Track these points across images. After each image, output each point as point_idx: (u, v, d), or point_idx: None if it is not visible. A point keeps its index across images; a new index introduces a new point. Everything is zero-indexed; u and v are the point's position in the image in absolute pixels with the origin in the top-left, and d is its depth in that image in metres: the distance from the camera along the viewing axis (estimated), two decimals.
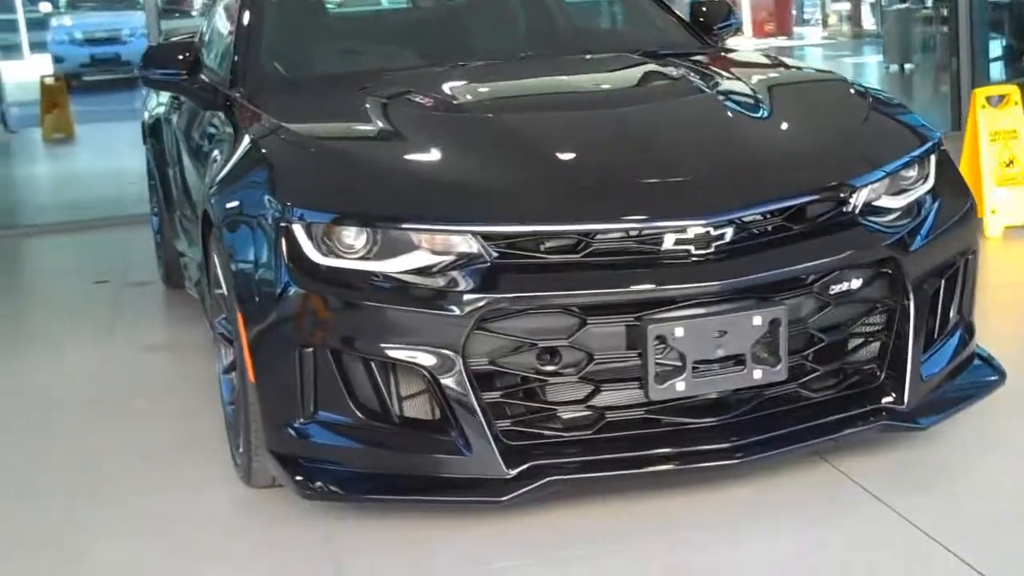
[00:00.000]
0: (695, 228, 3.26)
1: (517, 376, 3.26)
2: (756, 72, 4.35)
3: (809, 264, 3.36)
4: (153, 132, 6.13)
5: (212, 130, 4.51)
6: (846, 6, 22.07)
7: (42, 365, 5.25)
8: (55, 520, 3.64)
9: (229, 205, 3.62)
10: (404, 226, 3.27)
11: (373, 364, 3.26)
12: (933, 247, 3.57)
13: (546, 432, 3.29)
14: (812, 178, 3.51)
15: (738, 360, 3.27)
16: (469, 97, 4.09)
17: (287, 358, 3.28)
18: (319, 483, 3.30)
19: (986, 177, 6.34)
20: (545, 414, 3.30)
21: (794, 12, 23.36)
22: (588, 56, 4.74)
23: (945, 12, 10.91)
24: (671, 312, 3.24)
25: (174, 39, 6.19)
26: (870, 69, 16.29)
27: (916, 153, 3.70)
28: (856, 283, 3.44)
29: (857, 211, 3.49)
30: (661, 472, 3.32)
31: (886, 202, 3.59)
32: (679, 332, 3.20)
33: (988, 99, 6.47)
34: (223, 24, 5.19)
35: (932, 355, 3.62)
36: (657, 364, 3.22)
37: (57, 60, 18.94)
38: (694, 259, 3.27)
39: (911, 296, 3.48)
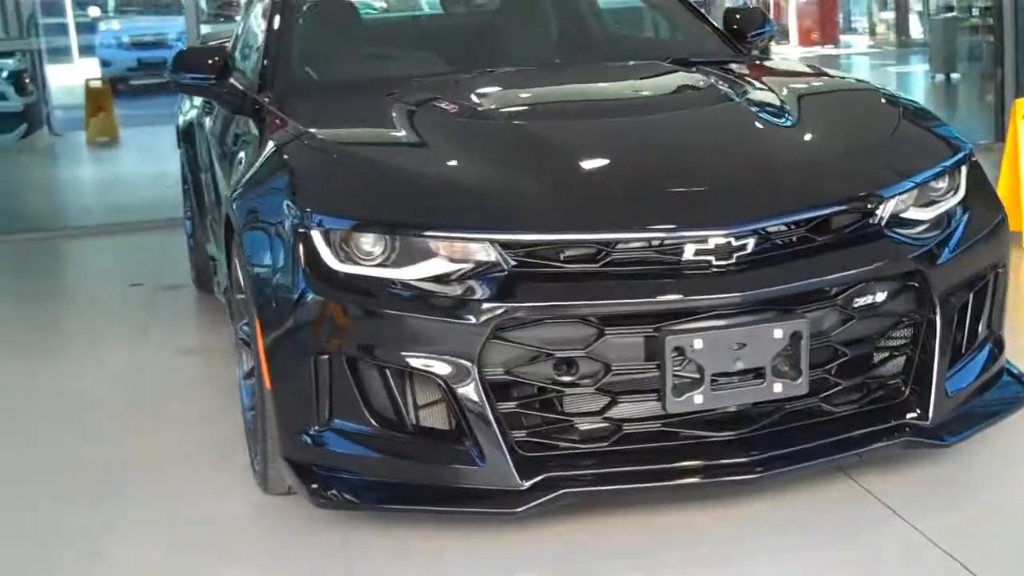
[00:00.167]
0: (716, 238, 3.22)
1: (533, 386, 3.23)
2: (786, 80, 4.30)
3: (832, 276, 3.30)
4: (186, 136, 6.15)
5: (239, 134, 4.52)
6: (894, 15, 21.86)
7: (75, 368, 5.27)
8: (78, 520, 3.66)
9: (250, 210, 3.61)
10: (422, 234, 3.24)
11: (389, 372, 3.24)
12: (961, 260, 3.51)
13: (562, 443, 3.26)
14: (837, 188, 3.45)
15: (758, 373, 3.23)
16: (493, 104, 4.06)
17: (303, 365, 3.27)
18: (333, 491, 3.29)
19: None
20: (561, 425, 3.27)
21: (841, 21, 23.15)
22: (616, 64, 4.71)
23: (991, 21, 10.77)
24: (690, 323, 3.19)
25: (211, 43, 6.21)
26: (916, 79, 16.10)
27: (946, 164, 3.64)
28: (881, 296, 3.39)
29: (883, 223, 3.43)
30: (678, 486, 3.27)
31: (914, 214, 3.53)
32: (698, 344, 3.16)
33: None
34: (255, 29, 5.20)
35: (959, 370, 3.56)
36: (675, 376, 3.18)
37: (105, 64, 19.07)
38: (715, 270, 3.22)
39: (938, 310, 3.41)
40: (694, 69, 4.44)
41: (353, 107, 4.26)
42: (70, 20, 21.82)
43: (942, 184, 3.62)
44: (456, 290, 3.20)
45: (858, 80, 4.64)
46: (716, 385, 3.20)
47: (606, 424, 3.27)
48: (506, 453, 3.17)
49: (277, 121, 4.06)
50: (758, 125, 3.79)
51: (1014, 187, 6.18)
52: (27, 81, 12.28)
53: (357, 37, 5.15)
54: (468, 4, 5.63)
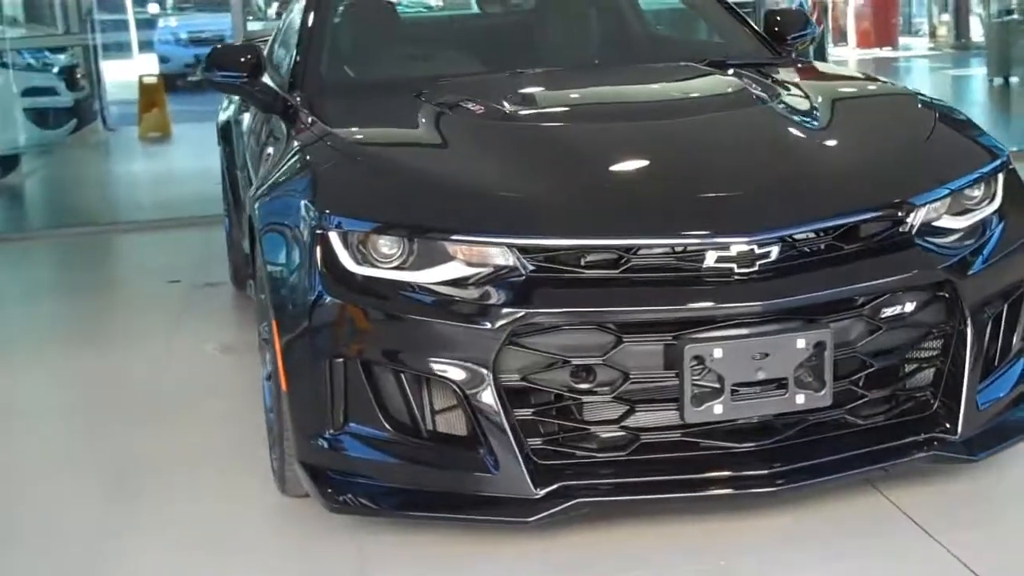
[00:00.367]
0: (739, 246, 3.15)
1: (550, 393, 3.18)
2: (821, 84, 4.23)
3: (857, 286, 3.22)
4: (224, 134, 6.16)
5: (270, 133, 4.50)
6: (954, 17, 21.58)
7: (110, 364, 5.28)
8: (96, 518, 3.66)
9: (270, 210, 3.59)
10: (440, 237, 3.20)
11: (404, 376, 3.20)
12: (995, 270, 3.41)
13: (578, 452, 3.21)
14: (866, 195, 3.37)
15: (780, 384, 3.15)
16: (520, 106, 4.00)
17: (318, 367, 3.23)
18: (347, 496, 3.26)
19: None
20: (577, 433, 3.21)
21: (900, 23, 22.87)
22: (647, 66, 4.64)
23: None
24: (710, 332, 3.13)
25: (252, 41, 6.22)
26: (974, 83, 15.86)
27: (982, 171, 3.54)
28: (910, 306, 3.30)
29: (914, 231, 3.34)
30: (698, 498, 3.21)
31: (948, 222, 3.43)
32: (718, 353, 3.09)
33: None
34: (292, 27, 5.19)
35: (992, 383, 3.46)
36: (694, 385, 3.12)
37: (163, 60, 19.25)
38: (737, 278, 3.15)
39: (969, 321, 3.32)
40: (729, 72, 4.36)
41: (380, 107, 4.23)
42: (130, 16, 22.01)
43: (977, 192, 3.52)
44: (473, 294, 3.15)
45: (896, 84, 4.54)
46: (737, 395, 3.13)
47: (623, 433, 3.21)
48: (520, 461, 3.12)
49: (304, 121, 4.04)
50: (788, 129, 3.71)
51: None
52: (79, 76, 12.35)
53: (391, 36, 5.11)
54: (505, 3, 5.57)
